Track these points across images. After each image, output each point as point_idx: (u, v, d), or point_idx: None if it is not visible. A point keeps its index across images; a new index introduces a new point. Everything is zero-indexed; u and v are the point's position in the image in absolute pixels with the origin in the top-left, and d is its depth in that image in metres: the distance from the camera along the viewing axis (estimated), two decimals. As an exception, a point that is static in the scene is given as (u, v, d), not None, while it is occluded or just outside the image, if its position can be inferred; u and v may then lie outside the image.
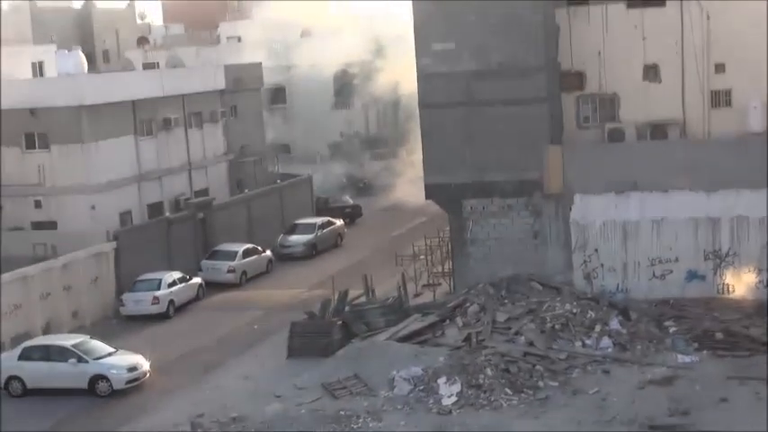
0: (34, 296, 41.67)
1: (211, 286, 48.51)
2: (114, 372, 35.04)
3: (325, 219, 58.48)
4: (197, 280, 47.75)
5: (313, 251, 55.32)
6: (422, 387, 32.56)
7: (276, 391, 33.82)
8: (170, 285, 45.55)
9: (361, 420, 30.67)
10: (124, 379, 35.10)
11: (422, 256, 47.91)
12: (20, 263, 42.15)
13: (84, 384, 34.88)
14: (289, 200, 60.32)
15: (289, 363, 36.79)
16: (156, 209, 53.06)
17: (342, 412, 31.35)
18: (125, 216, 50.89)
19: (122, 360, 35.74)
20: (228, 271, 49.86)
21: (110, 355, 35.83)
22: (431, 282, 44.85)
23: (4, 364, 35.59)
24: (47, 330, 41.82)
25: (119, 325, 42.56)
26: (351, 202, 65.52)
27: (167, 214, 52.56)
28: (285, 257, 54.41)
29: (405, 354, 34.65)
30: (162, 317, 44.20)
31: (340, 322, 37.74)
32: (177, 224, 51.11)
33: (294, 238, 55.76)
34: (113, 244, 46.48)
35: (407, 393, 32.41)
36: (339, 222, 59.00)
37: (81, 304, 44.16)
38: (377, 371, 33.71)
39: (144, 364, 35.95)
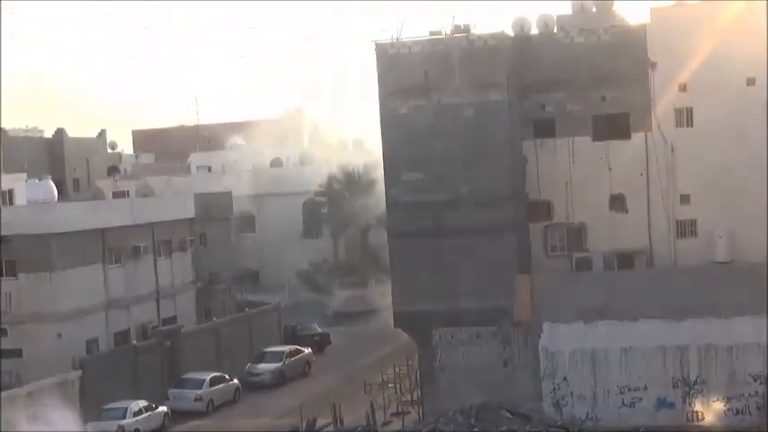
0: (-3, 425, 41.10)
1: (178, 414, 47.94)
2: None
3: (294, 347, 58.18)
4: (162, 409, 47.18)
5: (281, 379, 54.90)
6: None
7: None
8: (135, 414, 45.01)
9: None
10: None
11: (390, 384, 47.65)
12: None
13: None
14: (257, 328, 60.06)
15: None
16: (122, 336, 52.71)
17: None
18: (91, 344, 50.50)
19: None
20: (196, 399, 49.35)
21: None
22: (400, 410, 44.55)
23: None
24: (10, 460, 41.14)
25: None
26: (319, 330, 65.30)
27: (134, 342, 52.18)
28: (253, 385, 53.94)
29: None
30: (125, 445, 43.63)
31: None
32: (144, 352, 50.73)
33: (262, 366, 55.39)
34: (79, 372, 46.02)
35: None
36: (307, 350, 58.69)
37: (45, 433, 43.50)
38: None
39: None
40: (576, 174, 42.55)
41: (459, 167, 40.88)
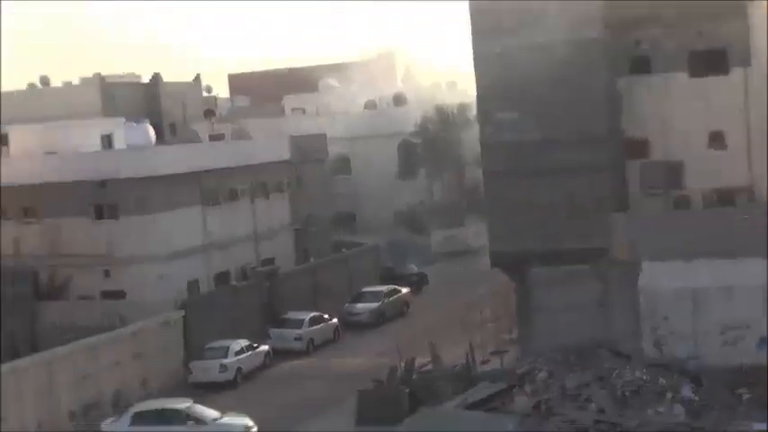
0: (103, 365, 42.09)
1: (279, 354, 48.69)
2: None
3: (392, 287, 58.58)
4: (264, 348, 47.95)
5: (380, 319, 55.37)
6: (491, 455, 32.33)
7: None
8: (237, 353, 45.82)
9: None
10: None
11: (489, 324, 47.77)
12: (89, 332, 42.68)
13: None
14: (355, 268, 60.60)
15: (357, 430, 36.77)
16: (222, 278, 53.58)
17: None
18: (192, 285, 51.43)
19: (237, 421, 36.49)
20: (296, 339, 50.05)
21: (221, 417, 36.49)
22: (498, 349, 44.64)
23: (117, 430, 35.79)
24: (116, 399, 42.21)
25: (187, 393, 42.70)
26: (416, 270, 65.59)
27: (234, 283, 53.02)
28: (352, 325, 54.52)
29: (474, 421, 34.40)
30: (230, 384, 44.37)
31: (407, 390, 37.68)
32: (244, 292, 51.53)
33: (361, 306, 55.90)
34: (181, 312, 46.94)
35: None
36: (405, 290, 59.05)
37: (150, 372, 44.51)
38: (445, 439, 33.51)
39: (254, 426, 36.48)
40: (673, 111, 41.88)
41: (555, 106, 40.47)
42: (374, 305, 55.85)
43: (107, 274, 50.12)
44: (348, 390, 40.24)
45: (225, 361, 45.07)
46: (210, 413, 36.69)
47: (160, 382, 44.83)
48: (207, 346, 45.89)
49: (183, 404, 37.20)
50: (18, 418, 37.79)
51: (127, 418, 36.63)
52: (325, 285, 56.91)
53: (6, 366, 38.69)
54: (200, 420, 35.97)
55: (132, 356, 43.69)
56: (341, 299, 56.51)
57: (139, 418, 36.34)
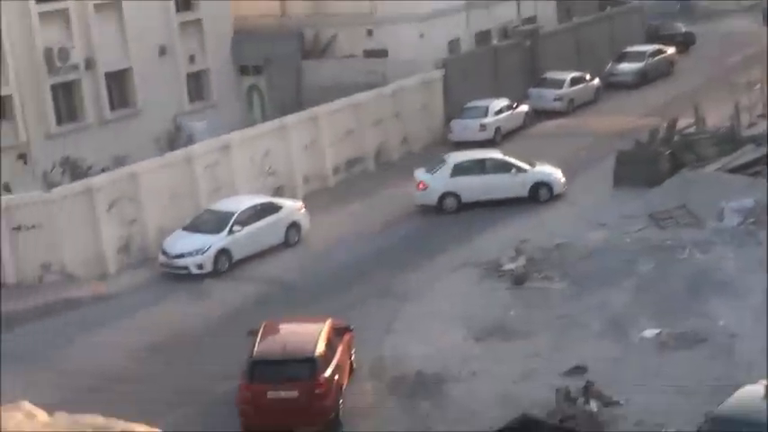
0: (366, 122, 43.06)
1: (538, 114, 48.52)
2: (554, 178, 36.88)
3: (656, 46, 56.79)
4: (524, 108, 47.82)
5: (642, 79, 54.02)
6: (752, 220, 31.56)
7: (601, 219, 33.77)
8: (497, 113, 45.93)
9: (687, 251, 30.20)
10: (561, 184, 37.00)
11: (757, 85, 45.81)
12: (351, 90, 43.53)
13: (524, 193, 36.64)
14: (618, 27, 58.83)
15: (615, 191, 36.59)
16: (483, 37, 53.21)
17: (667, 242, 30.98)
18: (453, 44, 51.36)
19: (550, 170, 37.46)
20: (556, 99, 49.63)
21: (535, 166, 37.45)
22: (765, 112, 42.92)
23: (439, 182, 36.94)
24: (378, 156, 43.36)
25: (446, 151, 43.32)
26: (683, 29, 63.19)
27: (495, 42, 52.62)
28: (613, 86, 53.49)
29: (735, 185, 33.62)
30: (489, 144, 44.68)
31: (668, 151, 36.96)
32: (504, 52, 51.10)
33: (623, 65, 54.61)
34: (441, 72, 47.13)
35: (737, 225, 31.52)
36: (670, 50, 57.17)
37: (410, 130, 45.31)
38: (705, 202, 32.87)
39: (562, 177, 37.41)
40: None
41: None
42: (637, 65, 54.43)
43: (370, 33, 50.57)
44: (606, 151, 39.84)
45: (484, 120, 45.29)
46: (522, 163, 37.29)
47: (420, 140, 45.61)
48: (466, 106, 46.13)
49: (497, 154, 38.23)
50: (288, 171, 39.42)
51: (446, 169, 37.22)
52: (588, 45, 55.66)
53: (276, 122, 40.21)
54: (520, 169, 36.78)
55: (393, 115, 44.48)
56: (604, 59, 55.27)
57: (460, 169, 37.12)
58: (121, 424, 4.41)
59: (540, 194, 36.80)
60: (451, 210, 36.71)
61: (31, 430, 4.99)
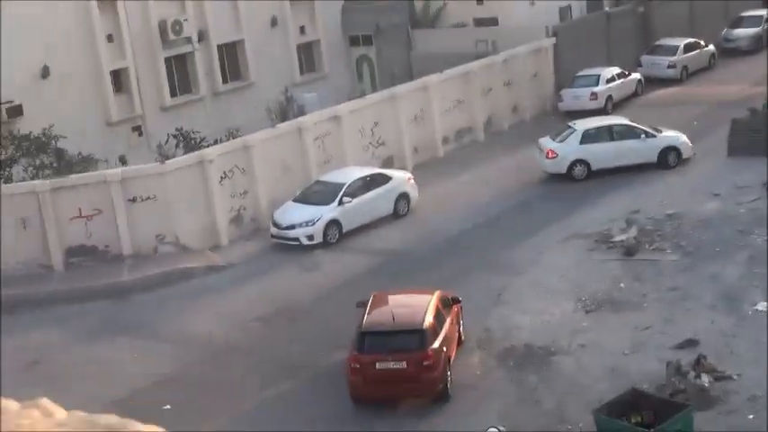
0: (476, 92, 42.91)
1: (651, 82, 47.80)
2: (682, 142, 36.68)
3: (773, 11, 55.50)
4: (636, 75, 47.14)
5: (759, 45, 52.81)
6: None
7: (714, 189, 33.23)
8: (608, 81, 45.38)
9: (803, 222, 29.57)
10: (690, 149, 36.79)
11: None
12: (461, 59, 43.40)
13: (654, 158, 36.41)
14: (734, -9, 57.65)
15: (729, 161, 35.96)
16: (595, 3, 52.53)
17: (783, 212, 30.37)
18: (564, 11, 50.84)
19: (677, 134, 37.24)
20: (669, 66, 48.83)
21: (662, 131, 37.20)
22: None
23: (569, 150, 36.62)
24: (488, 125, 43.22)
25: (557, 120, 43.03)
26: (803, -8, 61.51)
27: (607, 9, 51.90)
28: (728, 52, 52.41)
29: None
30: (600, 112, 44.20)
31: (784, 119, 36.16)
32: (617, 18, 50.41)
33: (739, 31, 53.44)
34: (552, 40, 46.69)
35: None
36: (789, 14, 55.77)
37: (520, 99, 45.06)
38: (823, 171, 32.15)
39: (687, 140, 37.12)
40: None
41: None
42: (754, 30, 53.21)
43: (480, 1, 50.34)
44: (721, 119, 39.09)
45: (596, 89, 44.78)
46: (650, 129, 37.04)
47: (530, 108, 45.34)
48: (577, 74, 45.66)
49: (624, 120, 38.02)
50: (397, 141, 39.49)
51: (576, 136, 36.88)
52: (702, 9, 54.55)
53: (385, 92, 40.30)
54: (649, 134, 36.54)
55: (503, 84, 44.24)
56: (718, 24, 54.15)
57: (589, 136, 36.79)
58: (136, 425, 4.52)
59: (669, 159, 36.41)
60: (581, 177, 36.40)
61: (44, 429, 5.08)
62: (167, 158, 34.86)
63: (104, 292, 30.41)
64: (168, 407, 22.68)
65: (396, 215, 34.71)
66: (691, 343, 23.45)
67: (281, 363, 25.06)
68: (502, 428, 18.27)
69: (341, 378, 22.86)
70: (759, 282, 26.32)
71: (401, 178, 35.46)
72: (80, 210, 32.23)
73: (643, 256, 29.06)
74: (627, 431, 18.84)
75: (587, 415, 20.18)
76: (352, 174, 35.01)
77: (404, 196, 35.03)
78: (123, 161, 38.15)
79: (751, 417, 20.53)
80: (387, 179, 35.00)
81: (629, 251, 29.24)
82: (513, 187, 36.69)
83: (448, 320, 23.69)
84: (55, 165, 34.99)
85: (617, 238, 30.20)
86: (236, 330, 27.36)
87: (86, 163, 35.60)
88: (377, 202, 34.27)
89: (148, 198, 32.63)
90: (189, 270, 31.74)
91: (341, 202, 33.50)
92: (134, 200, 32.58)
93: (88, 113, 38.98)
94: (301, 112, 41.85)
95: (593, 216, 32.53)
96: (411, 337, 22.35)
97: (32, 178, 33.89)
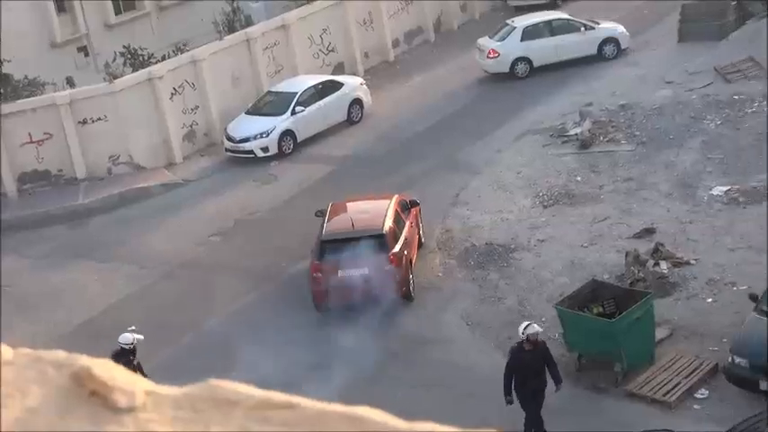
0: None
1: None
2: (620, 32, 36.58)
3: None
4: None
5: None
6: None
7: (666, 77, 33.26)
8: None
9: (756, 104, 29.70)
10: (627, 39, 36.56)
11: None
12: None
13: (594, 51, 36.20)
14: None
15: (679, 48, 35.91)
16: None
17: (735, 96, 30.47)
18: None
19: (617, 25, 37.01)
20: None
21: (600, 23, 36.99)
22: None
23: (510, 48, 36.15)
24: (438, 25, 42.86)
25: (507, 16, 42.69)
26: None
27: None
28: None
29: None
30: (549, 6, 43.71)
31: (734, 2, 36.06)
32: None
33: None
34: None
35: (806, 75, 30.86)
36: None
37: (469, -2, 44.63)
38: (773, 52, 32.18)
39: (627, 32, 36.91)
40: None
41: None
42: None
43: None
44: (670, 8, 38.79)
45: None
46: (588, 22, 36.81)
47: (479, 5, 44.82)
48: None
49: (562, 14, 37.96)
50: (346, 47, 39.12)
51: (516, 34, 36.46)
52: None
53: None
54: (588, 27, 36.41)
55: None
56: None
57: (529, 33, 36.32)
58: (83, 359, 4.35)
59: (606, 51, 36.32)
60: (524, 75, 36.29)
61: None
62: (116, 78, 34.38)
63: (61, 216, 30.24)
64: (133, 327, 22.65)
65: (349, 121, 34.56)
66: (648, 232, 23.69)
67: (244, 276, 25.11)
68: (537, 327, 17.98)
69: (305, 287, 22.93)
70: (713, 167, 26.53)
71: (353, 84, 35.24)
72: (30, 135, 31.88)
73: (598, 148, 29.18)
74: (589, 322, 19.07)
75: (550, 309, 20.40)
76: (303, 82, 34.75)
77: (357, 102, 34.84)
78: (71, 83, 37.58)
79: (710, 300, 20.85)
80: (339, 86, 34.78)
81: (583, 144, 29.33)
82: (464, 88, 36.52)
83: (407, 224, 23.77)
84: (1, 91, 34.46)
85: (571, 132, 30.25)
86: (197, 246, 27.33)
87: (33, 87, 35.05)
88: (330, 109, 34.07)
89: (99, 119, 32.30)
90: (145, 189, 31.57)
91: (294, 112, 33.28)
92: (84, 122, 32.24)
93: (31, 36, 38.28)
94: (249, 23, 41.28)
95: (547, 112, 32.51)
96: (372, 243, 22.43)
97: (-21, 105, 33.41)
